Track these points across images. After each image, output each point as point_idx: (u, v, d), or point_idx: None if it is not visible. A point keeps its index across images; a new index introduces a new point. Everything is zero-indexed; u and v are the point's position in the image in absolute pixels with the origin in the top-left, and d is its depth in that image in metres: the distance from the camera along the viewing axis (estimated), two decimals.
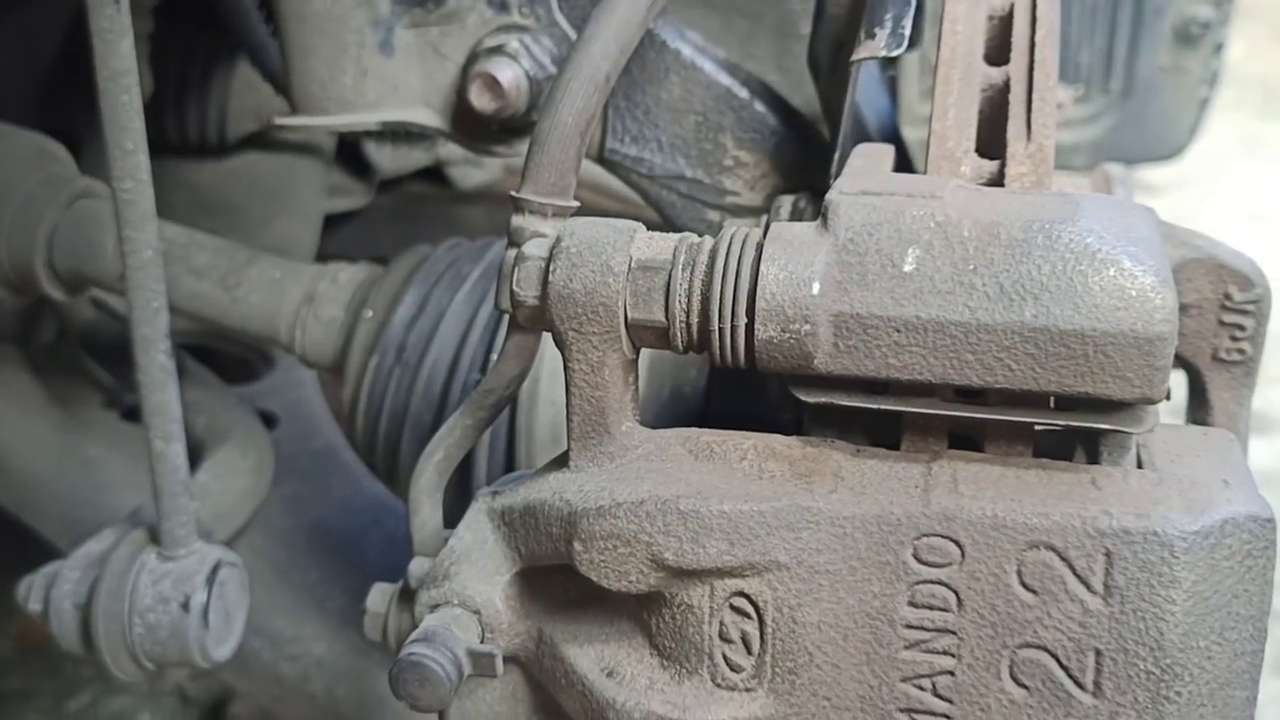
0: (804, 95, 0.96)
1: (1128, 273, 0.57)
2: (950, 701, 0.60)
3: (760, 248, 0.61)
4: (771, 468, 0.62)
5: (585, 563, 0.62)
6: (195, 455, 1.10)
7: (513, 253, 0.70)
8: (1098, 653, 0.58)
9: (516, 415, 0.94)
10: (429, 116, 0.90)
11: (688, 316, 0.62)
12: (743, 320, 0.60)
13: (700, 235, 0.64)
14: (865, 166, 0.68)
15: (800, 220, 0.80)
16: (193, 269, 1.02)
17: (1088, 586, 0.58)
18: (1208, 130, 1.74)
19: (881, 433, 0.65)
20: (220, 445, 1.12)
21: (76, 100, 1.30)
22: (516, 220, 0.72)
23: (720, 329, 0.61)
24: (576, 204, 0.75)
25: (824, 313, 0.59)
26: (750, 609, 0.61)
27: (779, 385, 0.83)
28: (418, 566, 0.73)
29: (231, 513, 1.09)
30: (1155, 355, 0.56)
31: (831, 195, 0.62)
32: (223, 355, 1.30)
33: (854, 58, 0.72)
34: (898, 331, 0.58)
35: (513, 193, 0.73)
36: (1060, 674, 0.59)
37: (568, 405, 0.65)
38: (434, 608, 0.67)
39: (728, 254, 0.61)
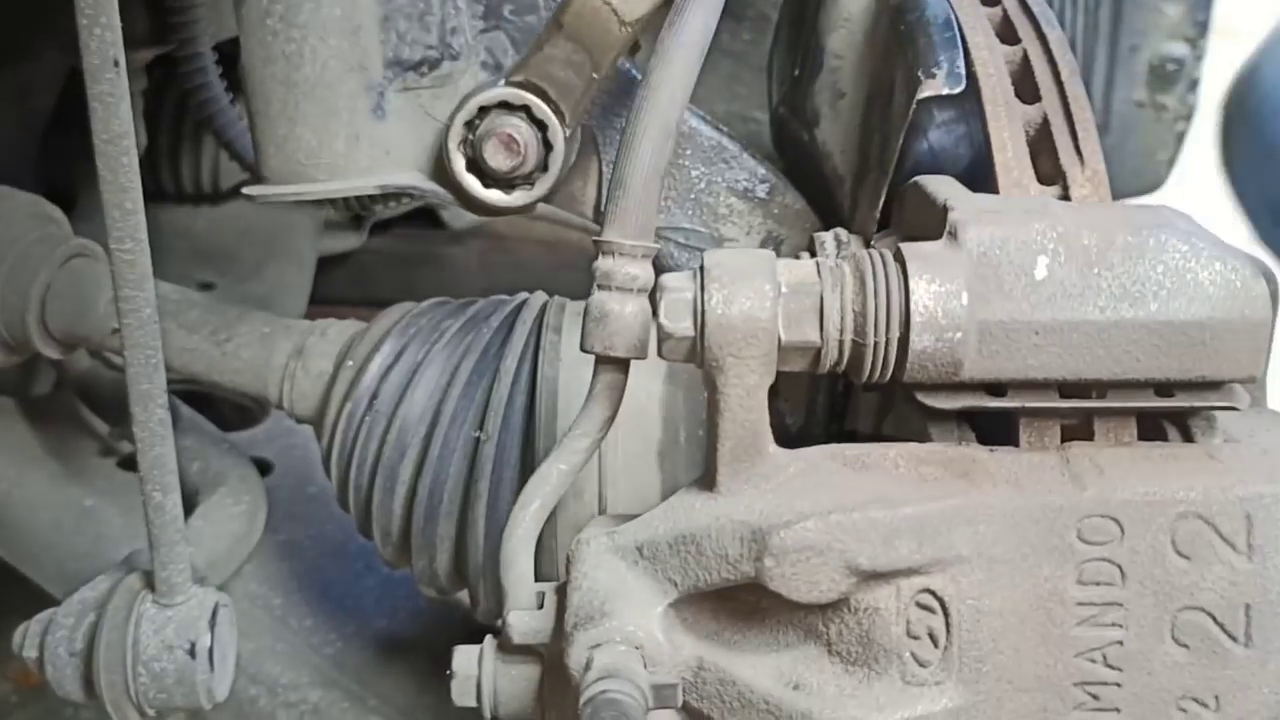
0: None
1: (1231, 266, 0.65)
2: (1120, 670, 0.65)
3: (904, 265, 0.65)
4: (928, 471, 0.66)
5: (776, 577, 0.64)
6: (189, 501, 1.11)
7: (604, 294, 0.71)
8: (1247, 607, 0.64)
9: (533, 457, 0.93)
10: (421, 180, 0.90)
11: (841, 335, 0.65)
12: (896, 333, 0.65)
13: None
14: (955, 191, 0.72)
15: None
16: (183, 324, 1.01)
17: (1234, 548, 0.64)
18: (1190, 154, 1.77)
19: (991, 434, 0.69)
20: (214, 491, 1.13)
21: (71, 158, 1.32)
22: (605, 264, 0.72)
23: (875, 343, 0.65)
24: (659, 246, 0.76)
25: (971, 321, 0.64)
26: (935, 604, 0.64)
27: (806, 413, 0.86)
28: (518, 620, 0.72)
29: (225, 557, 1.09)
30: (1260, 337, 0.65)
31: (956, 215, 0.67)
32: (220, 402, 1.32)
33: (919, 96, 0.76)
34: (1036, 334, 0.64)
35: (595, 238, 0.74)
36: (1216, 631, 0.64)
37: (718, 432, 0.66)
38: (595, 647, 0.67)
39: (874, 273, 0.65)
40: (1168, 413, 0.69)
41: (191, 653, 0.88)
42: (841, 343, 0.66)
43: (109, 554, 1.11)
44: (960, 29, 0.81)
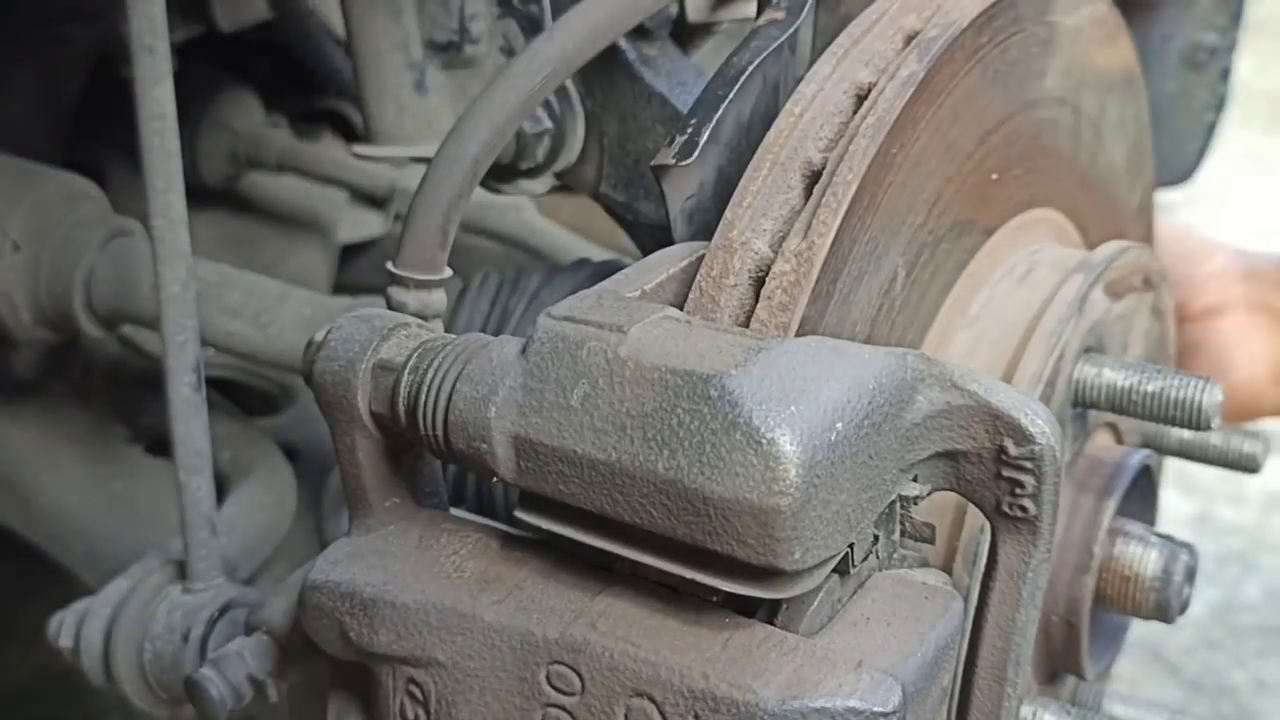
0: None
1: (760, 436, 0.53)
2: None
3: (467, 364, 0.62)
4: (468, 567, 0.64)
5: (306, 625, 0.67)
6: (220, 489, 1.12)
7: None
8: None
9: None
10: None
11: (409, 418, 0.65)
12: (441, 431, 0.63)
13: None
14: (621, 279, 0.68)
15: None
16: (226, 308, 1.03)
17: None
18: (1217, 147, 1.76)
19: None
20: (244, 480, 1.13)
21: (102, 139, 1.33)
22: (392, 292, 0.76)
23: (425, 435, 0.64)
24: (447, 273, 0.77)
25: (501, 434, 0.60)
26: (420, 696, 0.64)
27: None
28: None
29: (256, 547, 1.09)
30: (773, 526, 0.53)
31: (541, 317, 0.61)
32: (244, 389, 1.33)
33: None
34: (561, 462, 0.58)
35: (388, 266, 0.77)
36: None
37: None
38: None
39: (438, 367, 0.64)
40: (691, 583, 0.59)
41: (186, 639, 0.88)
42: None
43: (137, 538, 1.11)
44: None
